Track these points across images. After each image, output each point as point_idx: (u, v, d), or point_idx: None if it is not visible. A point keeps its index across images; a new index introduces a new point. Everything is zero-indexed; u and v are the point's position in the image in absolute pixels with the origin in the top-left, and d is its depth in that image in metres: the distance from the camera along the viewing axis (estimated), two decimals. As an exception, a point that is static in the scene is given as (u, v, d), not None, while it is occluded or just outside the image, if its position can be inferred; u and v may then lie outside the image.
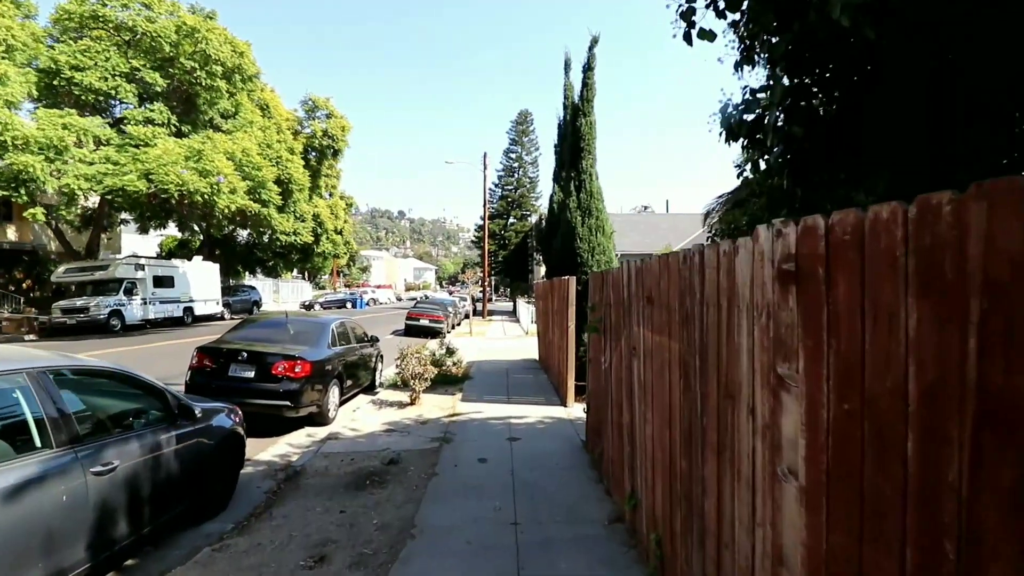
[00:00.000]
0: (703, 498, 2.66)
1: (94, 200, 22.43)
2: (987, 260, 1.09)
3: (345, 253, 44.92)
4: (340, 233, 39.50)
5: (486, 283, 35.81)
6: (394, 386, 10.02)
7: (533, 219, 47.36)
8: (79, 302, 19.43)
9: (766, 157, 3.40)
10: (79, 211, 22.25)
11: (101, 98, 20.64)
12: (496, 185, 55.26)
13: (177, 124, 22.17)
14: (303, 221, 31.19)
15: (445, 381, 10.43)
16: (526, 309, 25.63)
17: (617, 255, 10.67)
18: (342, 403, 8.42)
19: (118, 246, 31.16)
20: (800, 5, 2.60)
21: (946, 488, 1.23)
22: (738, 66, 3.32)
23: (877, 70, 2.60)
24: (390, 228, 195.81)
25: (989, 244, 1.09)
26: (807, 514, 1.76)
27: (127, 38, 21.06)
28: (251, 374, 7.04)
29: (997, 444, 1.09)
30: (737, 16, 3.18)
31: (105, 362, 3.76)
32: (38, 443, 2.81)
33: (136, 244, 33.48)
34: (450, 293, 58.72)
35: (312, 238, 33.29)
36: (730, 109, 3.31)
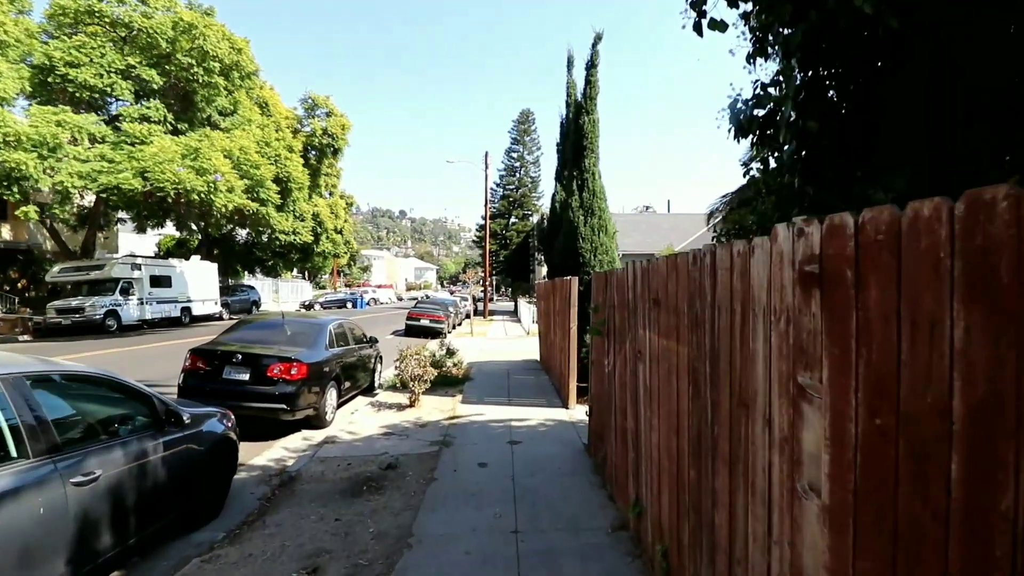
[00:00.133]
0: (713, 511, 2.54)
1: (90, 199, 22.26)
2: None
3: (345, 253, 44.77)
4: (340, 232, 39.32)
5: (487, 283, 35.72)
6: (393, 388, 9.90)
7: (535, 219, 47.27)
8: (74, 302, 19.25)
9: (776, 154, 3.28)
10: (74, 210, 22.11)
11: (96, 95, 20.42)
12: (498, 184, 55.24)
13: (174, 122, 22.00)
14: (303, 220, 31.01)
15: (445, 382, 10.31)
16: (527, 309, 25.49)
17: (619, 255, 10.54)
18: (340, 405, 8.29)
19: (115, 245, 30.95)
20: None
21: (998, 518, 1.10)
22: (750, 58, 3.18)
23: (899, 62, 2.47)
24: (391, 228, 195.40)
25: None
26: (831, 535, 1.65)
27: (123, 34, 20.90)
28: (246, 376, 6.90)
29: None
30: (749, 6, 3.05)
31: (87, 367, 3.62)
32: (13, 453, 2.68)
33: (133, 243, 33.29)
34: (451, 293, 58.52)
35: (312, 237, 33.10)
36: (740, 105, 3.20)
